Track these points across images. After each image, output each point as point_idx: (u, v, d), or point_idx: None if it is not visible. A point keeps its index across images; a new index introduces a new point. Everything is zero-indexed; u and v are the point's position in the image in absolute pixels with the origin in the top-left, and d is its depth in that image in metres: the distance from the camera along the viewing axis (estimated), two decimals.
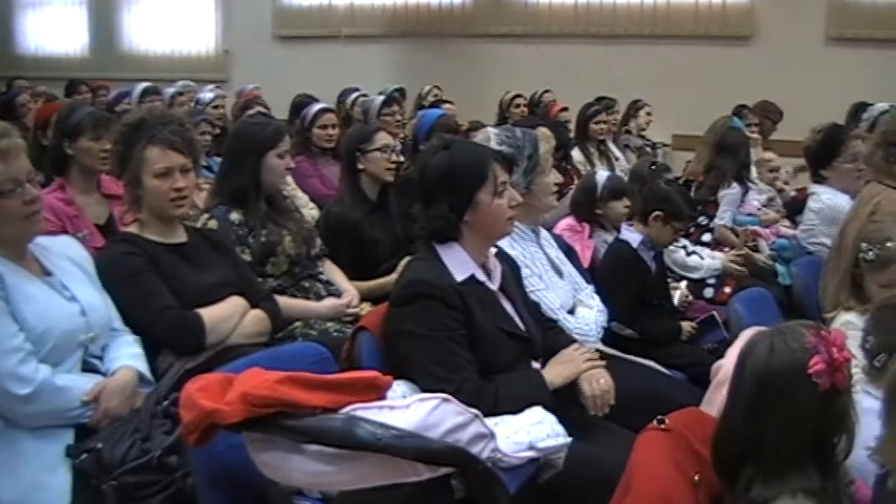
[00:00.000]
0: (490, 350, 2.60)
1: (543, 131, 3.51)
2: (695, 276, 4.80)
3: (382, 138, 4.21)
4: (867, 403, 2.01)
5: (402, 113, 6.98)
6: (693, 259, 4.86)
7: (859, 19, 8.08)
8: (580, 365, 2.76)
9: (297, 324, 3.44)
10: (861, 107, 6.45)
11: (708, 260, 4.89)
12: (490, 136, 3.32)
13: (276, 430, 1.99)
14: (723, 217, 5.39)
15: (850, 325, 2.86)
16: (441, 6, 9.96)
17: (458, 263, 2.66)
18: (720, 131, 5.79)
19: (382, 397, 2.12)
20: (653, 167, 5.15)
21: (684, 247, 4.88)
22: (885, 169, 3.49)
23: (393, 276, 3.76)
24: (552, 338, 2.97)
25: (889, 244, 2.91)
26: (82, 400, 2.53)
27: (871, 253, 2.93)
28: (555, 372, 2.72)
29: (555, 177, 3.53)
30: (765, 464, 1.85)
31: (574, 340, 2.97)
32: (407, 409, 2.05)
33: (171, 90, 7.52)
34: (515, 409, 2.41)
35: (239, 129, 3.98)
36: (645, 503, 1.88)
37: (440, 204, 2.65)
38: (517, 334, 2.72)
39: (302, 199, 5.02)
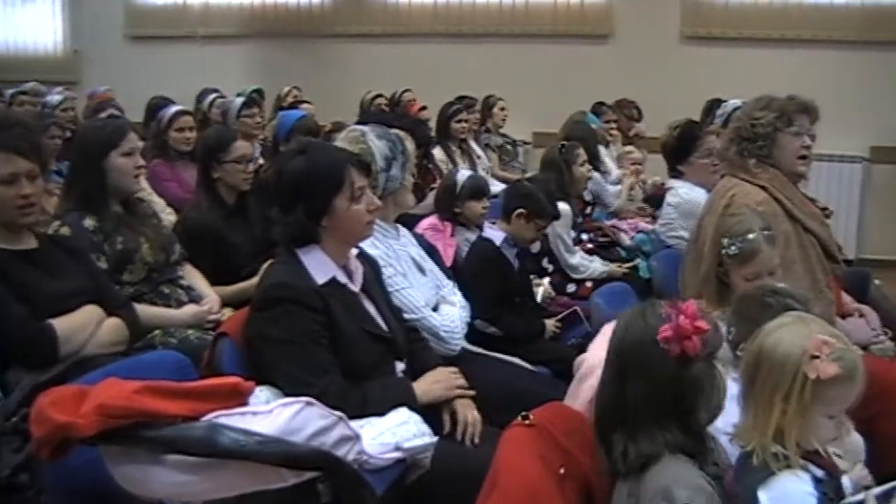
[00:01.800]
0: (353, 352, 2.60)
1: (396, 132, 3.52)
2: (580, 276, 4.90)
3: (239, 148, 4.08)
4: (734, 391, 2.10)
5: (262, 114, 6.89)
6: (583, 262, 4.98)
7: (712, 18, 8.37)
8: (452, 390, 2.76)
9: (157, 332, 3.34)
10: (715, 103, 6.63)
11: (596, 263, 5.01)
12: (366, 133, 3.29)
13: (134, 442, 1.94)
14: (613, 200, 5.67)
15: None
16: (299, 6, 9.85)
17: (319, 266, 2.64)
18: (567, 127, 5.95)
19: (245, 403, 2.10)
20: (562, 149, 5.16)
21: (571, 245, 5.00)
22: (739, 163, 3.59)
23: (254, 281, 3.71)
24: (419, 351, 2.99)
25: (750, 235, 2.95)
26: None
27: (733, 247, 2.95)
28: (426, 388, 2.72)
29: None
30: (631, 427, 1.95)
31: (442, 363, 2.98)
32: (270, 414, 2.02)
33: (10, 91, 7.21)
34: (382, 413, 2.41)
35: (80, 131, 3.87)
36: (511, 499, 1.90)
37: (297, 209, 2.63)
38: (380, 335, 2.72)
39: (159, 203, 4.89)
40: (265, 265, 2.90)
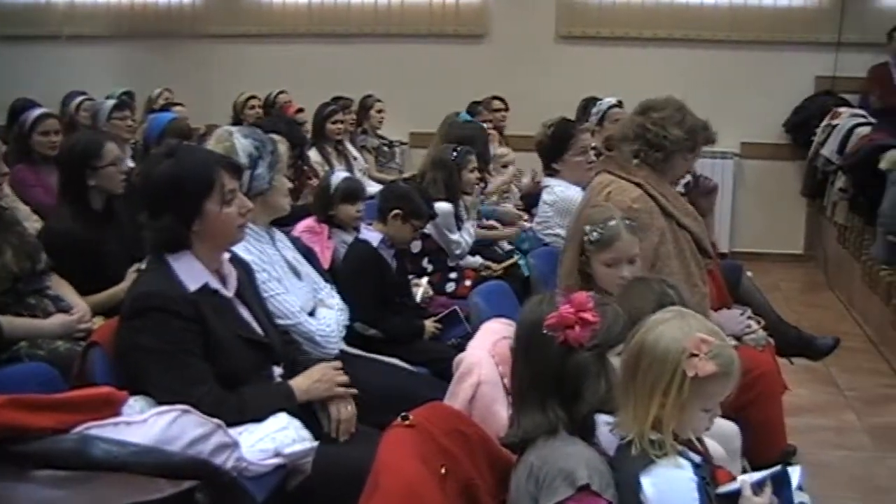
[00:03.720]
0: (229, 358, 2.55)
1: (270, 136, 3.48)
2: (459, 253, 4.96)
3: (111, 151, 3.90)
4: None
5: (134, 117, 6.72)
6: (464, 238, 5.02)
7: (586, 18, 8.57)
8: (333, 388, 2.73)
9: (23, 343, 3.21)
10: (591, 101, 6.77)
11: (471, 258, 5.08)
12: (232, 132, 3.23)
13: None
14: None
15: None
16: (170, 5, 9.62)
17: (190, 273, 2.58)
18: (450, 127, 5.99)
19: (118, 414, 2.05)
20: (455, 153, 5.16)
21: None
22: (621, 158, 3.62)
23: (125, 285, 3.61)
24: (295, 353, 2.96)
25: (611, 223, 3.04)
26: None
27: (594, 233, 3.04)
28: (307, 387, 2.68)
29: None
30: (519, 404, 2.08)
31: (321, 359, 2.95)
32: (145, 423, 1.99)
33: None
34: (261, 418, 2.38)
35: None
36: (393, 500, 1.90)
37: (166, 215, 2.57)
38: (256, 340, 2.68)
39: (24, 210, 4.68)
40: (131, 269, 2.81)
